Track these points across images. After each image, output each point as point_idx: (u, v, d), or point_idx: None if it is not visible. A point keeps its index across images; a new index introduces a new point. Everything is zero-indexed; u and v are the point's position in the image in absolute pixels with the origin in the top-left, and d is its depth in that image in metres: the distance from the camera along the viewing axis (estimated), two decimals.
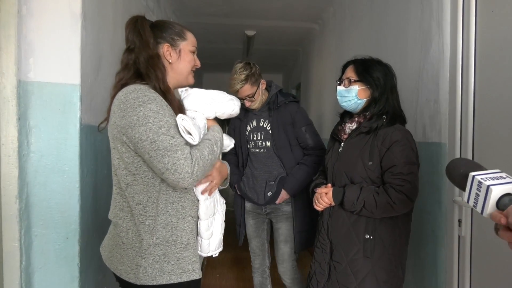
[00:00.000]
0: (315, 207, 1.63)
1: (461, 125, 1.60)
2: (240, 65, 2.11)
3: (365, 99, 1.56)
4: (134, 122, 1.09)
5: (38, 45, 1.60)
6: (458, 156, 1.60)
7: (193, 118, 1.25)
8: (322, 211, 1.67)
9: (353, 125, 1.60)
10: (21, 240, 1.55)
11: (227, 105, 1.36)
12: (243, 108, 2.18)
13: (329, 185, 1.60)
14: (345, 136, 1.61)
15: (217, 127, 1.30)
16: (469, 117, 1.55)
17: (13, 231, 1.53)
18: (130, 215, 1.17)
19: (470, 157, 1.55)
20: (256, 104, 2.16)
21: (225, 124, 2.32)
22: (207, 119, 1.31)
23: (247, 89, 2.09)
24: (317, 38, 4.37)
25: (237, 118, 2.22)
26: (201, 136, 1.19)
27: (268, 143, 2.16)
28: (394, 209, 1.44)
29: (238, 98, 2.08)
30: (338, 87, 1.61)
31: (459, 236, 1.59)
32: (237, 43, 5.14)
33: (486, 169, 0.76)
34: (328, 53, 3.85)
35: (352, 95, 1.56)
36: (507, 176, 0.72)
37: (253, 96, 2.12)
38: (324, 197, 1.57)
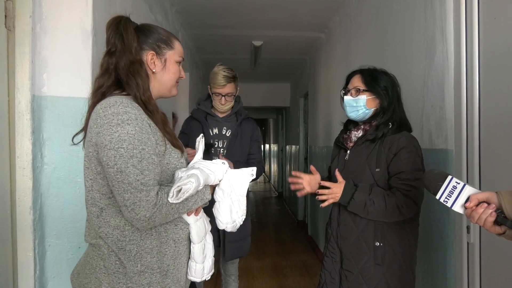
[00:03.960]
0: (321, 198, 1.53)
1: (467, 131, 1.61)
2: (225, 67, 2.22)
3: (373, 109, 1.57)
4: (106, 143, 1.00)
5: (51, 61, 1.66)
6: (465, 162, 1.60)
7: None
8: (330, 219, 1.67)
9: (359, 133, 1.61)
10: (35, 250, 1.59)
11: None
12: (202, 110, 2.27)
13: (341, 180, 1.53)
14: (351, 144, 1.62)
15: (209, 193, 1.18)
16: (474, 123, 1.55)
17: (28, 241, 1.57)
18: (109, 241, 1.07)
19: (477, 163, 1.55)
20: (227, 106, 2.24)
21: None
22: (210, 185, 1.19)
23: (231, 88, 2.21)
24: (324, 47, 4.40)
25: (195, 119, 2.28)
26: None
27: (225, 152, 2.24)
28: (401, 212, 1.45)
29: (217, 94, 2.19)
30: (345, 97, 1.60)
31: (468, 243, 1.58)
32: (245, 54, 5.20)
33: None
34: (334, 61, 3.87)
35: (361, 105, 1.56)
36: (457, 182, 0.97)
37: (232, 95, 2.22)
38: (331, 190, 1.50)
